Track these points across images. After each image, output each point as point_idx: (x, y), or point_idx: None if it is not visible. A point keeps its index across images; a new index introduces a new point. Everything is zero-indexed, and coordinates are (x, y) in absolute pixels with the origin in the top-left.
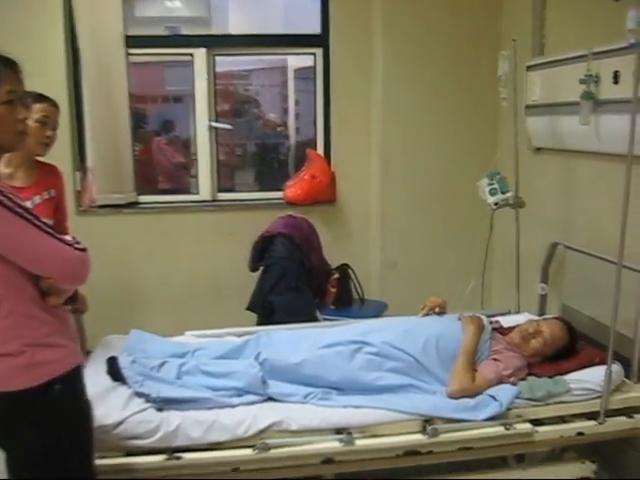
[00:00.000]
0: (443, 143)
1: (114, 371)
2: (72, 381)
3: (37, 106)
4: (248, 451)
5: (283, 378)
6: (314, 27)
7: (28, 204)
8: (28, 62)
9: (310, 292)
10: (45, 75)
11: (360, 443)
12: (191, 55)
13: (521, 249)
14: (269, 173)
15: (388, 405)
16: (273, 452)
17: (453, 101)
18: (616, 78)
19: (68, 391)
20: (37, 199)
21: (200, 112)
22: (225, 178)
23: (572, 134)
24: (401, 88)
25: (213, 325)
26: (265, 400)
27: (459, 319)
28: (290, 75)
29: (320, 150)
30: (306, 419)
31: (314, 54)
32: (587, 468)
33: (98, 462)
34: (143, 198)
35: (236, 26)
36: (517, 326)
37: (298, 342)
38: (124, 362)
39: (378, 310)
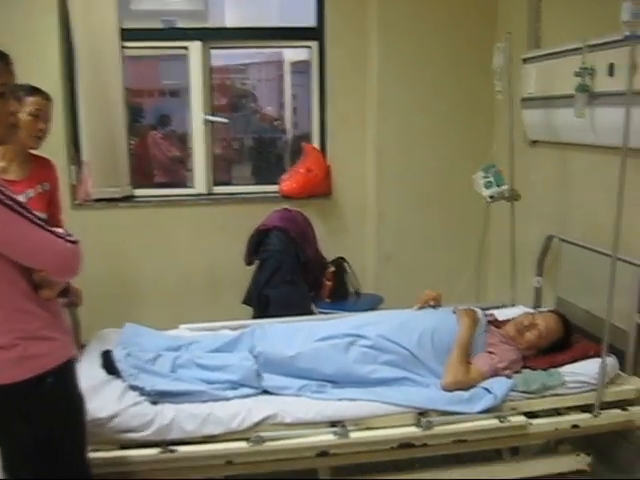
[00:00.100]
0: (438, 136)
1: (109, 364)
2: (64, 374)
3: (29, 99)
4: (242, 444)
5: (278, 371)
6: (310, 20)
7: (21, 198)
8: (22, 55)
9: (305, 285)
10: (39, 68)
11: (355, 436)
12: (186, 48)
13: (516, 242)
14: (266, 167)
15: (383, 398)
16: (267, 445)
17: (448, 94)
18: (611, 70)
19: (60, 384)
20: (31, 192)
21: (195, 105)
22: (222, 172)
23: (567, 127)
24: (396, 81)
25: (209, 319)
26: (260, 393)
27: (454, 312)
28: (286, 69)
29: (316, 143)
30: (301, 412)
31: (310, 47)
32: (582, 460)
33: (92, 455)
34: (138, 192)
35: (232, 20)
36: (512, 319)
37: (293, 335)
38: (119, 355)
39: (374, 303)
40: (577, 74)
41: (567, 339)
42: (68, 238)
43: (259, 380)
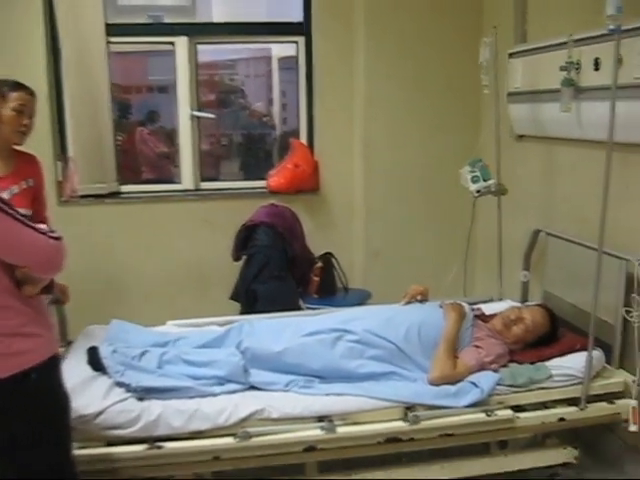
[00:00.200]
0: (425, 131)
1: (95, 361)
2: (48, 370)
3: (13, 94)
4: (229, 440)
5: (265, 367)
6: (297, 16)
7: (5, 194)
8: (7, 51)
9: (293, 281)
10: (24, 64)
11: (342, 430)
12: (172, 44)
13: (503, 236)
14: (255, 163)
15: (370, 393)
16: (254, 440)
17: (435, 89)
18: (597, 65)
19: (44, 380)
20: (15, 189)
21: (182, 101)
22: (211, 168)
23: (553, 121)
24: (384, 76)
25: (196, 315)
26: (247, 389)
27: (441, 307)
28: (275, 65)
29: (303, 139)
30: (288, 407)
31: (296, 42)
32: (569, 454)
33: (79, 452)
34: (125, 188)
35: (219, 15)
36: (499, 313)
37: (280, 331)
38: (105, 352)
39: (361, 299)
40: (563, 68)
41: (554, 333)
42: (51, 234)
43: (246, 376)
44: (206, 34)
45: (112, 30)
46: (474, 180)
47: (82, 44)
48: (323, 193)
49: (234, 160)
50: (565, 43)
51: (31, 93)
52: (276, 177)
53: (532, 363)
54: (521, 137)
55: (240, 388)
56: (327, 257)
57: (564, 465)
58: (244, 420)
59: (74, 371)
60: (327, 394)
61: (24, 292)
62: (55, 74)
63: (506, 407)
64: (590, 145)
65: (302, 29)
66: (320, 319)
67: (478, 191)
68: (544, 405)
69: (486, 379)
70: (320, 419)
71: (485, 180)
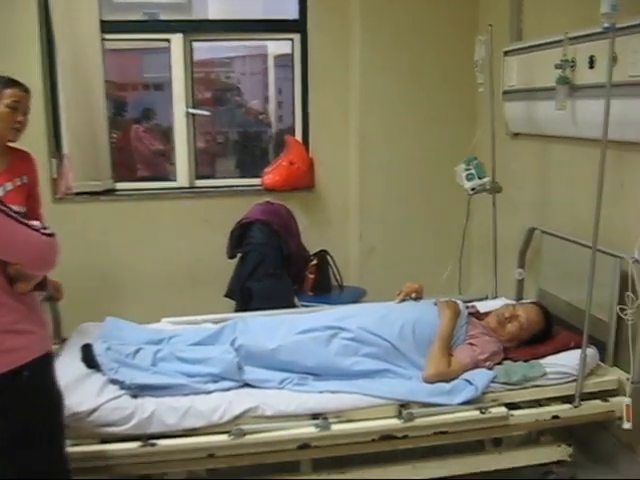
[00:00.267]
0: (421, 129)
1: (89, 358)
2: (41, 367)
3: (7, 91)
4: (223, 437)
5: (259, 364)
6: (293, 14)
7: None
8: (1, 48)
9: (288, 278)
10: (19, 61)
11: (336, 428)
12: (168, 41)
13: (498, 234)
14: (251, 161)
15: (364, 390)
16: (248, 438)
17: (431, 87)
18: (592, 63)
19: (37, 377)
20: (9, 185)
21: (177, 98)
22: (207, 165)
23: (549, 119)
24: (379, 73)
25: (191, 312)
26: (241, 386)
27: (435, 304)
28: (270, 63)
29: (298, 136)
30: (282, 405)
31: (292, 40)
32: (563, 451)
33: (72, 449)
34: (120, 185)
35: (215, 12)
36: (493, 311)
37: (274, 328)
38: (99, 349)
39: (357, 296)
40: (558, 66)
41: (548, 330)
42: (43, 231)
43: (240, 373)
44: (201, 31)
45: (107, 27)
46: (469, 178)
47: (77, 41)
48: (318, 190)
49: (230, 158)
50: (560, 41)
51: (25, 90)
52: (271, 174)
53: (526, 361)
54: (516, 135)
55: (234, 385)
56: (322, 254)
57: (558, 463)
58: (238, 417)
59: (68, 368)
60: (321, 392)
61: (17, 289)
62: (50, 71)
63: (500, 405)
64: (585, 143)
65: (297, 26)
66: (314, 317)
67: (473, 189)
68: (538, 403)
69: (480, 377)
70: (314, 417)
71: (480, 178)
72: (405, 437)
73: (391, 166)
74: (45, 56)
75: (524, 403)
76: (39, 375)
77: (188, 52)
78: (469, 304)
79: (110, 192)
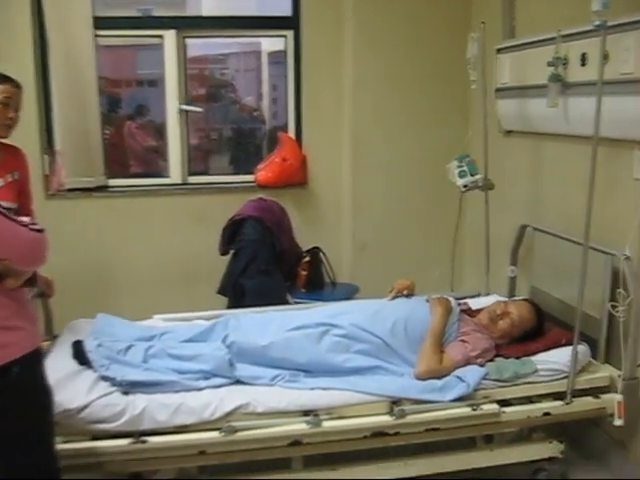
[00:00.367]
0: (414, 126)
1: (80, 355)
2: (31, 364)
3: None
4: (215, 434)
5: (251, 361)
6: (287, 11)
7: None
8: None
9: (281, 275)
10: (11, 57)
11: (327, 425)
12: (161, 37)
13: (491, 231)
14: (245, 157)
15: (356, 387)
16: (240, 435)
17: (424, 84)
18: (584, 60)
19: (26, 374)
20: (0, 182)
21: (170, 95)
22: (201, 162)
23: (541, 117)
24: (372, 71)
25: (183, 309)
26: (233, 383)
27: (427, 301)
28: (264, 59)
29: (291, 133)
30: (273, 401)
31: (285, 36)
32: (555, 448)
33: (63, 446)
34: (113, 182)
35: (210, 9)
36: (485, 308)
37: (266, 325)
38: (90, 346)
39: (349, 293)
40: (550, 64)
41: (540, 327)
42: (32, 227)
43: (232, 370)
44: (194, 28)
45: (100, 23)
46: (461, 175)
47: (70, 37)
48: (311, 187)
49: (224, 154)
50: (553, 39)
51: (17, 86)
52: (264, 171)
53: (518, 358)
54: (509, 132)
55: (226, 382)
56: (315, 251)
57: (550, 460)
58: (229, 414)
59: (59, 365)
60: (313, 388)
61: (6, 285)
62: (43, 67)
63: (492, 401)
64: (577, 140)
65: (291, 23)
66: (306, 313)
67: (465, 186)
68: (530, 399)
69: (472, 373)
70: (306, 413)
71: (472, 175)
72: (397, 434)
73: (384, 163)
74: (38, 52)
75: (515, 400)
76: (29, 372)
77: (181, 48)
78: (461, 301)
79: (103, 188)
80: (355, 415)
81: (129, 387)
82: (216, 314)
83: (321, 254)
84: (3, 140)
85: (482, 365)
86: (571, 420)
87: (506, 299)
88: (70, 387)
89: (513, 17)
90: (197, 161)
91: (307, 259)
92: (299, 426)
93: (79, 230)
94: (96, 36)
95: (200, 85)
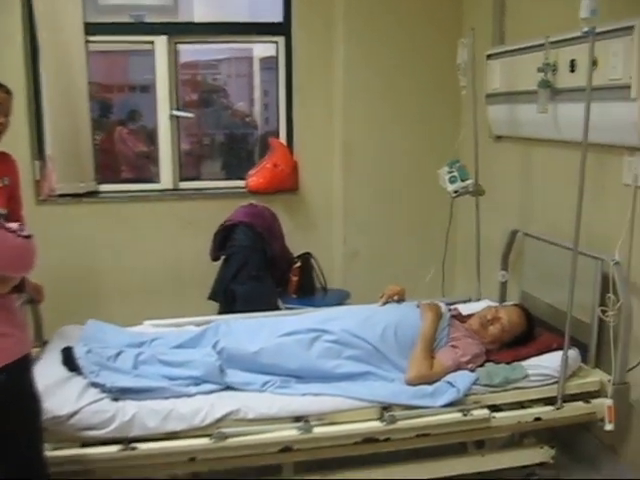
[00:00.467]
0: (405, 132)
1: (69, 361)
2: (19, 371)
3: None
4: (205, 440)
5: (241, 367)
6: (278, 17)
7: None
8: None
9: (272, 281)
10: (2, 62)
11: (318, 431)
12: (152, 43)
13: (481, 237)
14: (237, 163)
15: (347, 393)
16: (230, 441)
17: (415, 90)
18: (572, 66)
19: (14, 381)
20: None
21: (162, 100)
22: (192, 167)
23: (531, 122)
24: (363, 77)
25: (174, 315)
26: (223, 389)
27: (418, 307)
28: (256, 65)
29: (282, 139)
30: (264, 407)
31: (276, 43)
32: (546, 453)
33: (53, 453)
34: (104, 187)
35: (201, 15)
36: (476, 313)
37: (257, 331)
38: (79, 352)
39: (340, 299)
40: (540, 70)
41: (530, 332)
42: (20, 233)
43: (222, 376)
44: (186, 33)
45: (91, 29)
46: (452, 180)
47: (61, 43)
48: (302, 193)
49: (216, 160)
50: (542, 45)
51: (7, 91)
52: (255, 177)
53: (508, 363)
54: (499, 138)
55: (216, 388)
56: (306, 257)
57: (541, 465)
58: (220, 420)
59: (48, 371)
60: (304, 394)
61: None
62: (33, 72)
63: (482, 407)
64: (566, 146)
65: (282, 29)
66: (297, 319)
67: (456, 191)
68: (520, 405)
69: (462, 379)
70: (296, 419)
71: (463, 180)
72: (387, 440)
73: (375, 169)
74: (29, 57)
75: (506, 405)
76: (17, 378)
77: (172, 54)
78: (451, 306)
79: (93, 194)
80: (346, 421)
81: (119, 393)
82: (207, 320)
83: (312, 260)
84: None
85: (473, 370)
86: (562, 425)
87: (497, 304)
88: (59, 393)
89: (503, 23)
90: (189, 167)
91: (298, 265)
92: (290, 432)
93: (70, 235)
94: (87, 42)
95: (192, 90)
